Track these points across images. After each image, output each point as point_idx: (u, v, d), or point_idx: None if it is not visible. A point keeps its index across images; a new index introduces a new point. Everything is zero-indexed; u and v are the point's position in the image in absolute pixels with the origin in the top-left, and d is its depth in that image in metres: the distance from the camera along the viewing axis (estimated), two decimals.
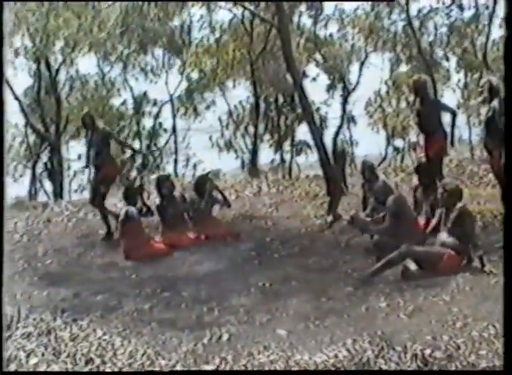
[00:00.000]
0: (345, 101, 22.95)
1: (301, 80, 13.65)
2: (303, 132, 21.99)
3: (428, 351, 5.90)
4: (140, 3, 18.33)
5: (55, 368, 6.18)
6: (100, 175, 11.44)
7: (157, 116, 24.30)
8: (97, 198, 11.48)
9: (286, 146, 23.45)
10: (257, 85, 22.23)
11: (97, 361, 6.28)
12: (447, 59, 22.37)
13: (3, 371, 5.71)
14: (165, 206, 10.93)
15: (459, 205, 8.31)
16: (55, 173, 22.56)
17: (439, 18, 21.42)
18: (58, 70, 22.97)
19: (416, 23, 21.18)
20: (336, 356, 6.01)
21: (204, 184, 11.26)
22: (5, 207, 5.73)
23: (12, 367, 6.17)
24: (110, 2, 18.16)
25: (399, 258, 8.22)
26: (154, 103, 24.23)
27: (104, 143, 11.31)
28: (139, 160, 23.40)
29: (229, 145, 23.62)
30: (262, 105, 23.04)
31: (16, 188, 24.36)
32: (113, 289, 8.79)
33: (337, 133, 22.46)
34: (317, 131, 13.27)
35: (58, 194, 21.50)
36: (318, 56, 22.63)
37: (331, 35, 22.65)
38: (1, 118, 5.79)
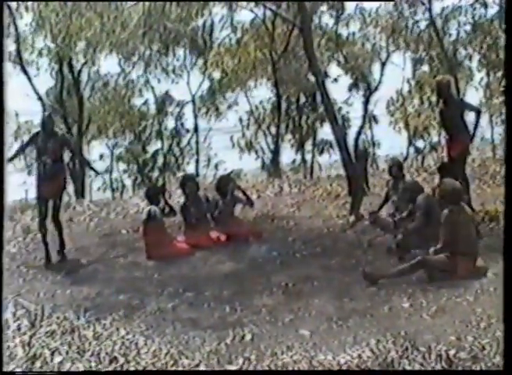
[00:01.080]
0: (367, 101, 22.90)
1: (323, 79, 13.61)
2: (324, 132, 21.99)
3: (452, 352, 5.88)
4: (163, 3, 18.35)
5: (80, 366, 6.21)
6: (55, 187, 10.30)
7: (179, 116, 24.36)
8: (56, 213, 10.43)
9: (308, 146, 23.43)
10: (278, 85, 22.22)
11: (121, 360, 6.30)
12: (470, 58, 22.24)
13: (3, 371, 5.74)
14: (188, 206, 10.95)
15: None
16: (77, 172, 22.66)
17: (463, 17, 21.31)
18: (80, 71, 23.12)
19: (439, 22, 21.08)
20: (359, 356, 5.99)
21: (226, 184, 11.27)
22: (5, 207, 5.74)
23: (38, 365, 6.22)
24: (133, 3, 18.18)
25: (414, 269, 8.16)
26: (177, 103, 24.29)
27: (62, 152, 10.42)
28: (160, 160, 23.48)
29: (250, 145, 23.65)
30: (284, 105, 23.04)
31: None
32: (136, 288, 8.82)
33: (359, 133, 22.41)
34: (339, 130, 13.26)
35: (79, 193, 21.61)
36: (339, 56, 22.57)
37: (353, 34, 22.60)
38: (2, 119, 5.81)
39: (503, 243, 5.13)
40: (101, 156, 23.69)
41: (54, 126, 10.63)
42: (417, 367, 5.78)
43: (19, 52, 20.93)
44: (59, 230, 10.44)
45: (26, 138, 25.05)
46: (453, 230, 8.09)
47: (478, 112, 10.75)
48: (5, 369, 5.98)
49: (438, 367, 5.74)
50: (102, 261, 10.30)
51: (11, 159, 10.24)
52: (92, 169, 12.43)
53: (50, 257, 10.22)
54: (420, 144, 23.48)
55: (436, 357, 5.84)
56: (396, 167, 10.98)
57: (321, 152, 22.97)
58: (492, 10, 21.18)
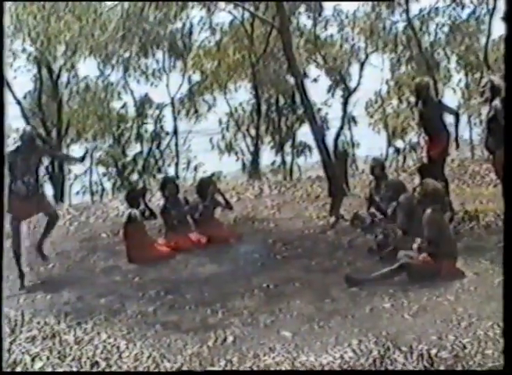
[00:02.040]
0: (346, 102, 22.91)
1: (302, 79, 13.63)
2: (303, 133, 21.99)
3: (434, 351, 5.93)
4: (140, 5, 18.30)
5: (60, 371, 6.18)
6: (35, 206, 9.67)
7: (158, 119, 24.28)
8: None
9: (287, 148, 23.42)
10: (258, 87, 22.21)
11: (103, 364, 6.30)
12: (448, 59, 22.35)
13: (3, 371, 5.74)
14: (168, 208, 10.94)
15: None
16: (56, 176, 22.54)
17: (440, 18, 21.41)
18: (59, 74, 22.96)
19: (417, 23, 21.17)
20: (341, 357, 6.03)
21: (206, 187, 11.25)
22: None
23: (18, 370, 6.18)
24: (111, 4, 18.15)
25: (397, 272, 8.19)
26: (156, 106, 24.20)
27: (39, 166, 10.02)
28: (140, 163, 23.39)
29: (229, 147, 23.59)
30: (263, 107, 23.01)
31: None
32: (117, 292, 8.80)
33: (338, 134, 22.43)
34: (319, 131, 13.27)
35: (59, 197, 21.48)
36: (318, 57, 22.59)
37: (331, 36, 22.62)
38: (2, 120, 5.79)
39: (503, 243, 5.19)
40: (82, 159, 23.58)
41: (36, 140, 9.99)
42: (399, 367, 5.81)
43: None
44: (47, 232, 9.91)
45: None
46: (437, 230, 8.12)
47: (457, 115, 10.89)
48: None
49: (420, 367, 5.77)
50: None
51: None
52: (74, 158, 12.08)
53: (24, 282, 9.48)
54: (399, 144, 23.55)
55: (418, 356, 5.89)
56: (378, 167, 11.02)
57: (301, 154, 22.98)
58: (469, 10, 21.29)
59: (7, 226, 8.50)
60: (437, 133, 10.53)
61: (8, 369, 6.23)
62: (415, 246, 8.20)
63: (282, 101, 23.10)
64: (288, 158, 23.42)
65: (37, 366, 6.28)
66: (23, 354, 6.58)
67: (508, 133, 5.81)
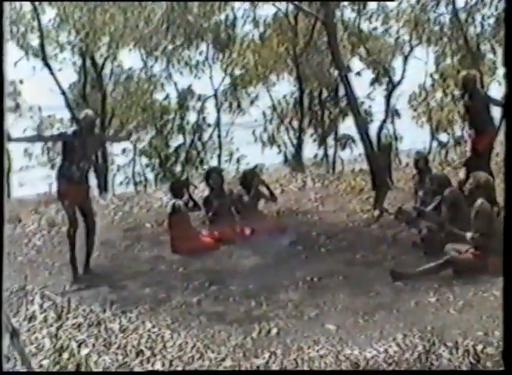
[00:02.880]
0: (389, 96, 22.74)
1: (346, 73, 13.55)
2: (346, 126, 21.88)
3: (479, 347, 5.86)
4: None
5: (106, 359, 6.24)
6: (85, 192, 9.57)
7: (201, 111, 24.33)
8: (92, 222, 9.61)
9: (330, 140, 23.32)
10: (301, 80, 22.13)
11: (148, 353, 6.34)
12: (494, 52, 22.05)
13: (3, 371, 5.79)
14: (212, 199, 10.97)
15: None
16: (100, 166, 22.73)
17: (486, 10, 21.11)
18: (103, 65, 23.15)
19: (463, 15, 20.91)
20: (386, 351, 5.99)
21: (250, 179, 11.28)
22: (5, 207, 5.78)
23: (65, 356, 6.25)
24: None
25: (442, 268, 8.10)
26: (198, 98, 24.25)
27: (96, 153, 10.03)
28: (183, 154, 23.49)
29: (272, 140, 23.56)
30: (306, 100, 22.94)
31: None
32: (161, 282, 8.86)
33: (381, 128, 22.26)
34: (362, 124, 13.21)
35: (102, 187, 21.66)
36: (362, 50, 22.44)
37: (375, 29, 22.45)
38: (2, 120, 5.88)
39: (503, 243, 5.14)
40: (124, 150, 23.67)
41: (95, 127, 9.96)
42: (444, 363, 5.76)
43: (42, 47, 21.02)
44: (91, 242, 9.52)
45: (48, 133, 25.43)
46: (488, 222, 7.99)
47: (504, 107, 10.69)
48: (33, 361, 6.04)
49: (465, 362, 5.72)
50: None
51: (28, 140, 9.97)
52: (122, 138, 11.88)
53: (76, 274, 9.29)
54: (443, 138, 23.33)
55: (464, 352, 5.82)
56: (422, 160, 10.96)
57: (344, 147, 22.85)
58: None
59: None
60: (483, 127, 10.40)
61: (55, 355, 6.31)
62: (469, 236, 8.05)
63: (325, 93, 23.01)
64: (331, 151, 23.33)
65: (84, 352, 6.35)
66: (69, 340, 6.65)
67: (508, 132, 5.79)
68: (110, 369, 6.05)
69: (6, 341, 4.81)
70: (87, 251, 9.46)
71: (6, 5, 4.10)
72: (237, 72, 23.80)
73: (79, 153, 9.15)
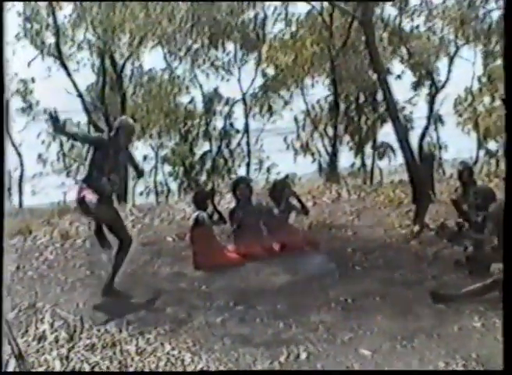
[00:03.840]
0: (432, 100, 22.66)
1: (385, 76, 13.51)
2: (385, 134, 21.85)
3: None
4: None
5: None
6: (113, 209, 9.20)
7: (228, 116, 24.41)
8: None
9: (368, 149, 23.28)
10: (337, 82, 22.12)
11: None
12: None
13: (3, 371, 5.85)
14: (239, 212, 10.94)
15: None
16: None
17: None
18: (123, 66, 23.29)
19: None
20: None
21: (281, 190, 11.24)
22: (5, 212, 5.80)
23: None
24: None
25: (489, 289, 7.99)
26: (226, 102, 24.34)
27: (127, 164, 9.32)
28: (209, 162, 23.56)
29: (305, 148, 23.59)
30: (342, 105, 22.93)
31: None
32: (182, 301, 8.82)
33: (423, 135, 22.20)
34: (402, 131, 13.13)
35: (121, 197, 21.74)
36: (403, 51, 22.38)
37: (417, 27, 22.37)
38: (2, 120, 5.94)
39: (503, 244, 5.05)
40: (145, 158, 23.87)
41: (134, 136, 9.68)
42: None
43: (58, 46, 21.16)
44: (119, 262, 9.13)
45: (64, 137, 25.60)
46: None
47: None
48: None
49: None
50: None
51: (65, 134, 9.28)
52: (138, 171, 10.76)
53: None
54: (492, 146, 23.19)
55: None
56: (466, 172, 10.88)
57: (382, 156, 22.82)
58: None
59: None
60: None
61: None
62: None
63: (362, 98, 23.01)
64: (368, 161, 23.31)
65: None
66: (81, 362, 6.66)
67: (508, 132, 5.87)
68: None
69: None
70: (112, 272, 9.20)
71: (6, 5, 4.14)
72: (268, 74, 23.86)
73: (111, 164, 8.76)
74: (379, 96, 20.78)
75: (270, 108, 24.26)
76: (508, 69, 5.89)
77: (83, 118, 23.60)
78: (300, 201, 11.49)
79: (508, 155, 5.76)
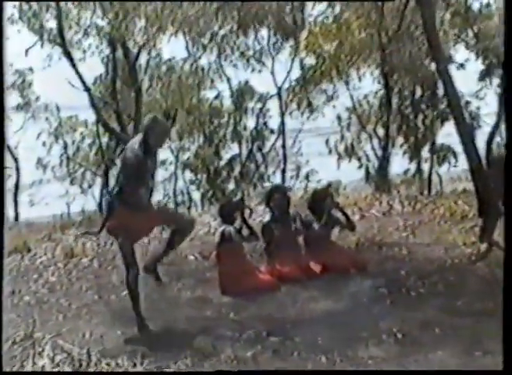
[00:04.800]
0: (504, 93, 22.50)
1: (447, 65, 13.46)
2: (446, 134, 21.72)
3: None
4: None
5: None
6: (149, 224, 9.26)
7: (261, 114, 24.45)
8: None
9: (425, 152, 23.18)
10: (388, 74, 22.06)
11: None
12: None
13: (3, 371, 6.04)
14: (273, 226, 10.95)
15: None
16: None
17: None
18: (137, 55, 23.38)
19: None
20: None
21: (322, 201, 11.24)
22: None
23: None
24: None
25: None
26: (259, 97, 24.38)
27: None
28: (237, 168, 23.59)
29: (351, 151, 23.55)
30: (395, 100, 22.87)
31: (84, 201, 25.01)
32: (207, 331, 8.83)
33: (492, 135, 22.03)
34: (467, 131, 13.10)
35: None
36: (469, 35, 22.26)
37: (487, 6, 22.21)
38: (2, 120, 6.02)
39: (504, 242, 5.14)
40: (163, 163, 23.90)
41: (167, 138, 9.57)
42: None
43: (60, 31, 21.21)
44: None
45: (68, 139, 25.75)
46: None
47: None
48: None
49: None
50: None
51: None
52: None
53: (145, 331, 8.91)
54: None
55: None
56: None
57: (443, 160, 22.71)
58: None
59: None
60: None
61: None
62: None
63: (419, 92, 22.89)
64: (425, 166, 23.19)
65: None
66: None
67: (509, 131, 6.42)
68: None
69: None
70: (164, 250, 9.37)
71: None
72: (307, 64, 23.84)
73: (148, 171, 8.70)
74: (440, 90, 20.63)
75: (309, 104, 24.25)
76: (508, 69, 6.00)
77: (90, 116, 23.75)
78: (344, 214, 11.50)
79: (508, 155, 6.08)
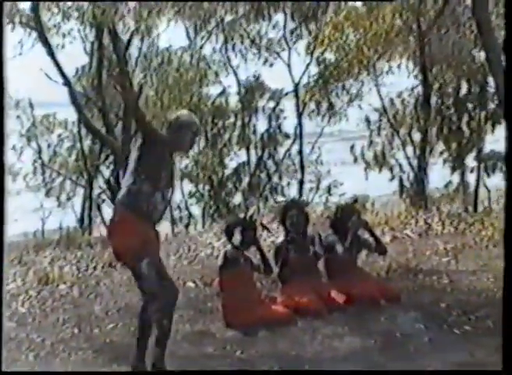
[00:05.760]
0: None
1: (500, 56, 13.42)
2: (496, 140, 21.69)
3: None
4: None
5: None
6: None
7: (274, 114, 24.46)
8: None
9: (470, 161, 23.16)
10: (427, 68, 22.07)
11: None
12: None
13: (2, 371, 6.30)
14: (288, 248, 10.93)
15: None
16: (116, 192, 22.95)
17: None
18: (128, 43, 23.40)
19: None
20: None
21: (347, 218, 11.21)
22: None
23: None
24: None
25: None
26: (271, 95, 24.39)
27: None
28: (246, 178, 23.59)
29: (381, 159, 23.53)
30: (434, 99, 22.87)
31: (63, 216, 25.01)
32: (209, 370, 8.82)
33: None
34: None
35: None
36: None
37: None
38: (2, 121, 6.03)
39: (503, 242, 6.21)
40: None
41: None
42: None
43: (35, 12, 21.18)
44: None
45: (44, 141, 25.69)
46: None
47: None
48: None
49: None
50: None
51: None
52: None
53: None
54: None
55: None
56: None
57: (492, 171, 22.67)
58: None
59: None
60: None
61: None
62: None
63: (464, 89, 22.87)
64: (471, 178, 23.15)
65: None
66: None
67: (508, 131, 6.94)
68: None
69: None
70: (156, 340, 8.60)
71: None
72: (329, 56, 23.86)
73: (168, 175, 8.51)
74: (490, 86, 20.62)
75: (331, 104, 24.27)
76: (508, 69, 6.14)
77: (70, 114, 23.73)
78: (373, 234, 11.46)
79: (508, 155, 6.60)
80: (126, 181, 8.32)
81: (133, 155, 8.27)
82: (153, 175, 8.21)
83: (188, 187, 24.48)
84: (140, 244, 8.14)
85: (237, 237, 10.59)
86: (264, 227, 12.11)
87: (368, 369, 8.65)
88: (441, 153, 23.17)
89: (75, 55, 23.30)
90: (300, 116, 24.16)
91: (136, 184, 8.20)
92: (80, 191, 25.58)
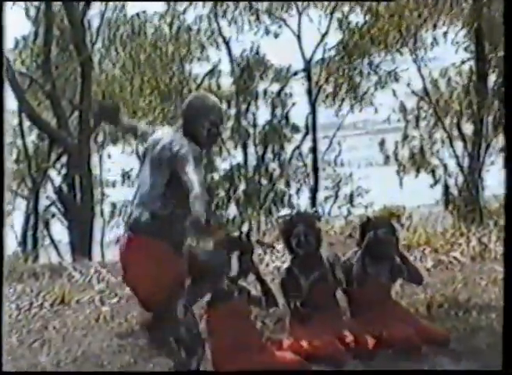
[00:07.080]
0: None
1: None
2: None
3: None
4: None
5: None
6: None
7: (279, 101, 24.45)
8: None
9: None
10: (482, 38, 22.04)
11: None
12: None
13: (3, 371, 6.94)
14: (296, 276, 10.85)
15: None
16: (72, 207, 22.95)
17: None
18: (85, 8, 23.31)
19: None
20: None
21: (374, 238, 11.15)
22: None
23: None
24: None
25: None
26: (276, 75, 24.37)
27: None
28: (242, 184, 23.55)
29: (419, 159, 23.52)
30: (492, 78, 22.84)
31: None
32: None
33: None
34: None
35: (81, 248, 21.80)
36: None
37: None
38: (2, 121, 6.00)
39: (504, 243, 6.89)
40: (125, 175, 23.88)
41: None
42: None
43: None
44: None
45: None
46: None
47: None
48: None
49: None
50: None
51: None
52: None
53: None
54: None
55: None
56: None
57: None
58: None
59: None
60: None
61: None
62: None
63: None
64: None
65: None
66: None
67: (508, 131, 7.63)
68: None
69: None
70: None
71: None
72: (351, 25, 23.88)
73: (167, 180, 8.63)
74: None
75: (353, 87, 24.26)
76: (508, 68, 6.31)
77: (9, 102, 23.72)
78: (402, 256, 11.36)
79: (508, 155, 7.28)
80: (148, 204, 8.47)
81: (160, 180, 8.41)
82: (185, 198, 8.22)
83: None
84: (177, 279, 8.54)
85: (234, 266, 10.48)
86: (264, 245, 12.01)
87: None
88: (499, 151, 23.14)
89: (14, 22, 23.29)
90: (313, 103, 24.13)
91: (167, 209, 8.42)
92: (22, 204, 25.54)
